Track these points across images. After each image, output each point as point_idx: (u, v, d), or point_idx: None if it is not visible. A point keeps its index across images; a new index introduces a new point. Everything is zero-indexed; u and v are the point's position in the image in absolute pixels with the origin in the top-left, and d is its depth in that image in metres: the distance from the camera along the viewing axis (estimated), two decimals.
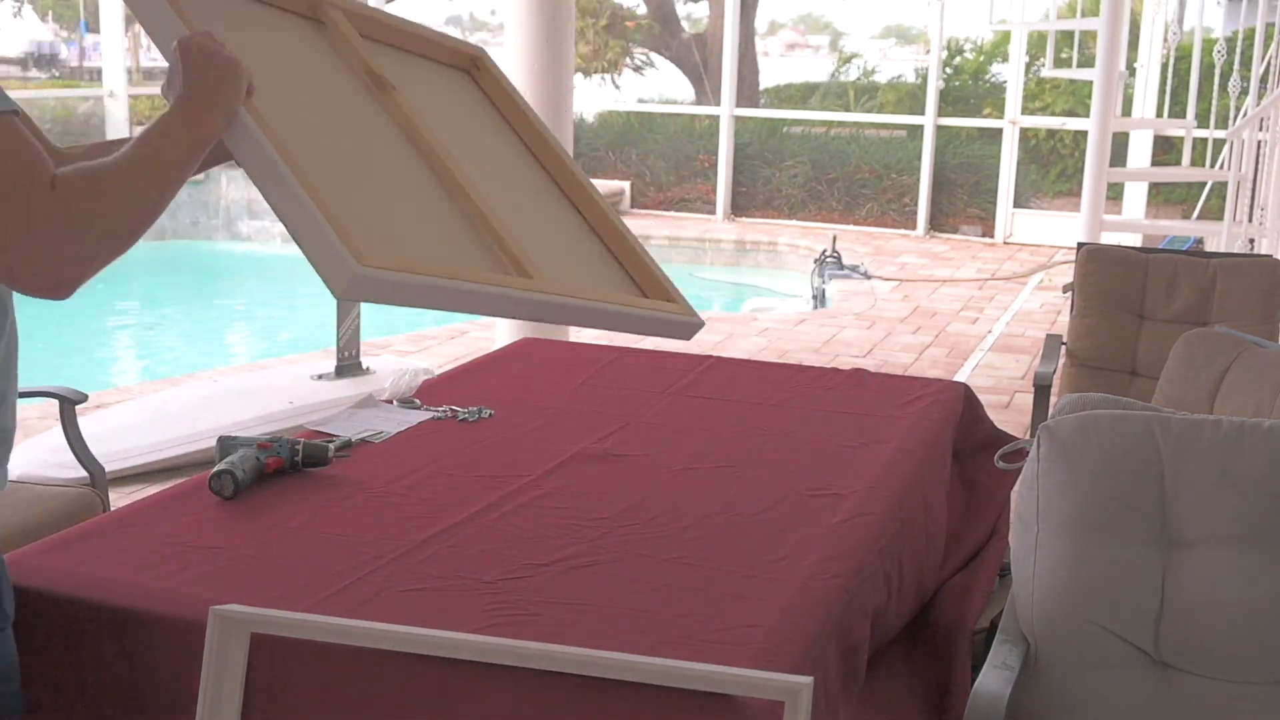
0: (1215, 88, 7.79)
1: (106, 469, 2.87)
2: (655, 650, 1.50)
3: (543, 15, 5.00)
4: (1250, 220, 6.57)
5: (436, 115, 1.79)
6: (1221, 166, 7.60)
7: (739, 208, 11.06)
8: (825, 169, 10.97)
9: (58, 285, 1.26)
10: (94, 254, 1.27)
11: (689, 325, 1.98)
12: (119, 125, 10.89)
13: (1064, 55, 8.37)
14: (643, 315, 1.87)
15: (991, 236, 10.20)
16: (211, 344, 8.02)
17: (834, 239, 8.92)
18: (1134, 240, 8.19)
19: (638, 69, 14.37)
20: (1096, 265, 3.96)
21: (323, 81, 1.67)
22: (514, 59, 5.08)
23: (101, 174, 1.29)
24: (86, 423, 3.49)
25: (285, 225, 1.38)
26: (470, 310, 1.52)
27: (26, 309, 1.53)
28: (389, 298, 1.41)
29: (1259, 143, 6.62)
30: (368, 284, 1.36)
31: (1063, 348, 3.95)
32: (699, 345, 6.25)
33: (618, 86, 14.09)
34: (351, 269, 1.33)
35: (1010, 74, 10.39)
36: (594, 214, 2.01)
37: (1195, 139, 7.50)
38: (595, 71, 13.70)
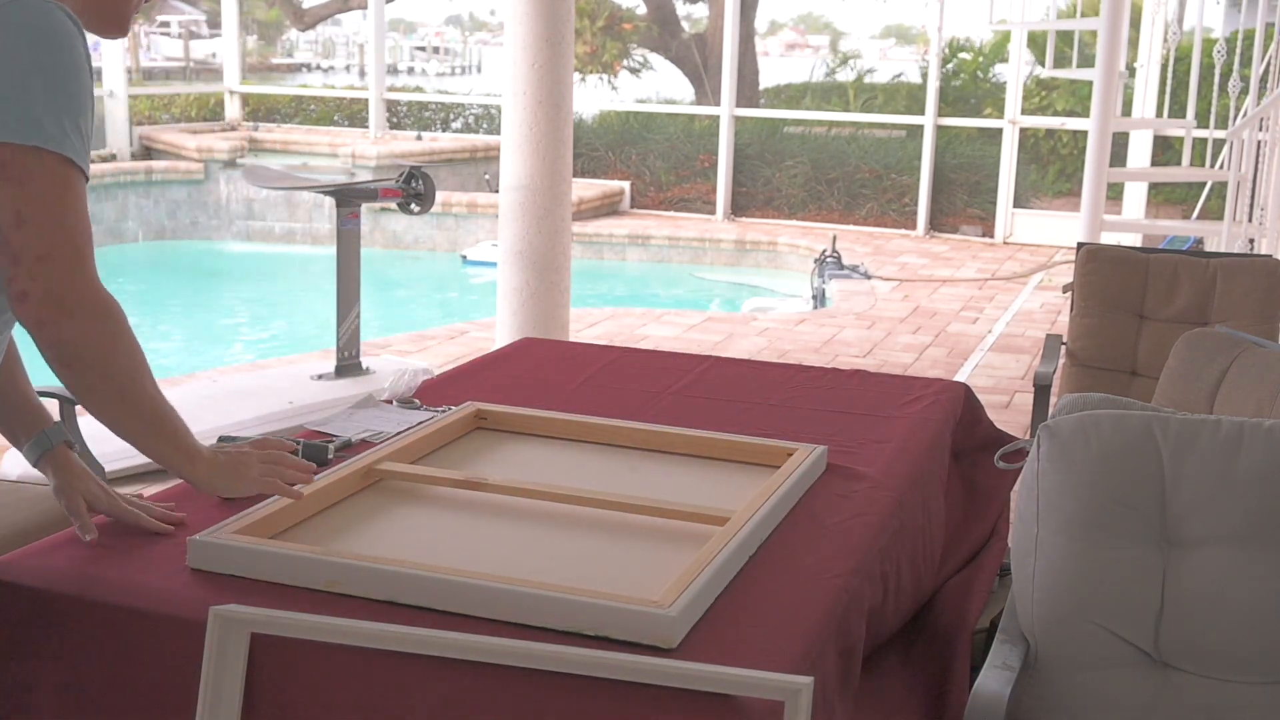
0: (1215, 88, 7.79)
1: (106, 469, 2.86)
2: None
3: (543, 15, 5.00)
4: (1250, 220, 6.57)
5: None
6: (1221, 166, 7.60)
7: (739, 208, 11.06)
8: (825, 169, 10.96)
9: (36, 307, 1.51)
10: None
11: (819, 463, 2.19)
12: (119, 124, 10.90)
13: (1064, 54, 8.37)
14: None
15: (991, 236, 10.21)
16: (211, 344, 8.02)
17: (834, 239, 8.92)
18: (1134, 240, 8.19)
19: (634, 71, 14.37)
20: (1096, 265, 3.96)
21: None
22: (514, 59, 5.08)
23: (114, 353, 1.58)
24: (87, 423, 3.48)
25: None
26: None
27: None
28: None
29: (1259, 143, 6.62)
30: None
31: (1063, 348, 3.95)
32: (699, 345, 6.25)
33: (614, 88, 14.10)
34: None
35: (1010, 74, 10.39)
36: None
37: (1195, 139, 7.50)
38: (591, 72, 13.71)
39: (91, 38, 1.58)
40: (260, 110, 12.96)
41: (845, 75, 13.11)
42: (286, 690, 1.53)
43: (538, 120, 5.08)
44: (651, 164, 11.42)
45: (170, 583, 1.67)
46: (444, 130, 12.98)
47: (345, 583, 1.62)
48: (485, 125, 12.95)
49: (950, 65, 11.60)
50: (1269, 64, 7.30)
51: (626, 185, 11.31)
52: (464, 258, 9.82)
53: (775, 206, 11.03)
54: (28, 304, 1.50)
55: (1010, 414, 5.07)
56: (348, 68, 31.80)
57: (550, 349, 3.18)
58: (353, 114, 13.13)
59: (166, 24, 30.05)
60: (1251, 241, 6.51)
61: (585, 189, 10.65)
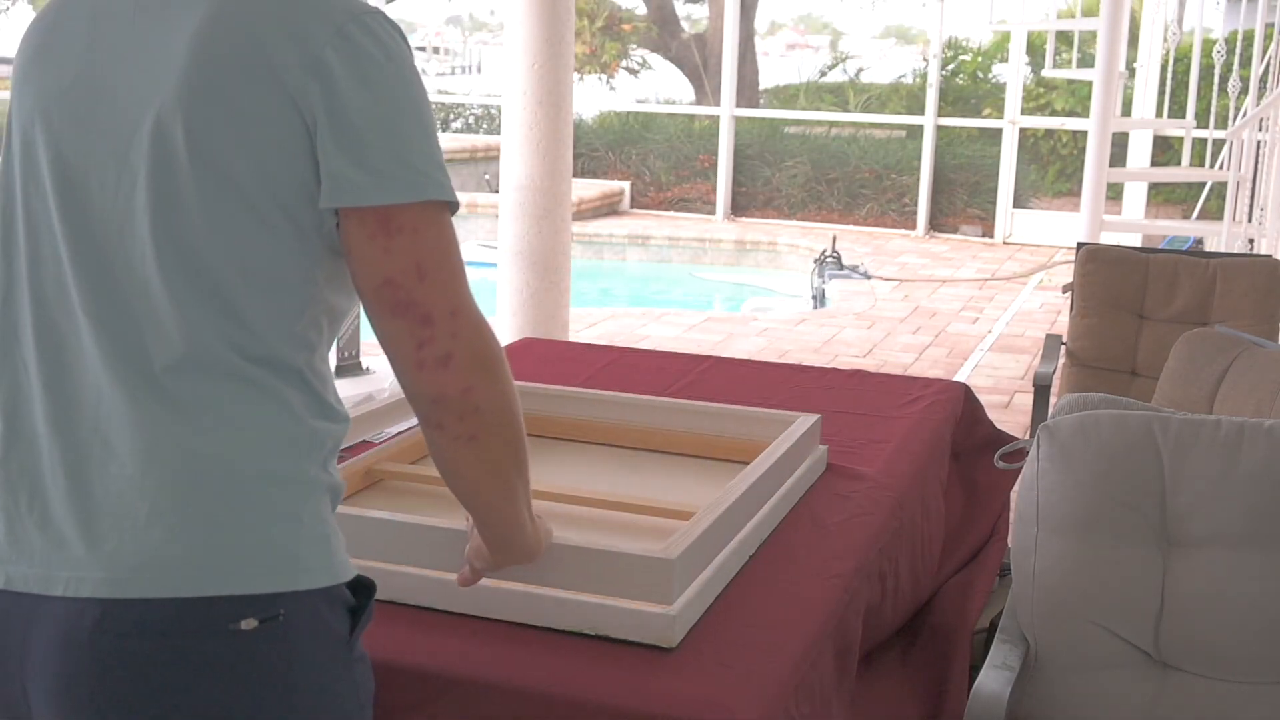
0: (1215, 88, 7.78)
1: None
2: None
3: (542, 15, 5.00)
4: (1250, 220, 6.56)
5: None
6: (1221, 166, 7.60)
7: (739, 208, 11.06)
8: (825, 169, 10.97)
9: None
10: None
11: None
12: None
13: (1064, 56, 8.37)
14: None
15: (991, 236, 10.21)
16: None
17: (834, 239, 8.92)
18: (1134, 240, 8.19)
19: (633, 72, 14.35)
20: (1096, 265, 3.96)
21: None
22: (514, 59, 5.08)
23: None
24: None
25: None
26: None
27: None
28: None
29: (1259, 143, 6.62)
30: None
31: (1063, 348, 3.95)
32: (699, 345, 6.25)
33: (612, 88, 14.09)
34: None
35: (1010, 74, 10.39)
36: None
37: (1195, 139, 7.50)
38: (590, 72, 13.70)
39: None
40: None
41: (839, 76, 13.10)
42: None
43: (538, 120, 5.08)
44: (651, 164, 11.42)
45: None
46: (444, 130, 12.98)
47: None
48: (485, 125, 12.96)
49: (950, 66, 11.60)
50: (1269, 64, 7.30)
51: (626, 185, 11.31)
52: None
53: (775, 206, 11.03)
54: (450, 370, 1.20)
55: (1010, 414, 5.07)
56: None
57: (550, 349, 3.18)
58: None
59: None
60: (1251, 241, 6.51)
61: (585, 189, 10.65)
